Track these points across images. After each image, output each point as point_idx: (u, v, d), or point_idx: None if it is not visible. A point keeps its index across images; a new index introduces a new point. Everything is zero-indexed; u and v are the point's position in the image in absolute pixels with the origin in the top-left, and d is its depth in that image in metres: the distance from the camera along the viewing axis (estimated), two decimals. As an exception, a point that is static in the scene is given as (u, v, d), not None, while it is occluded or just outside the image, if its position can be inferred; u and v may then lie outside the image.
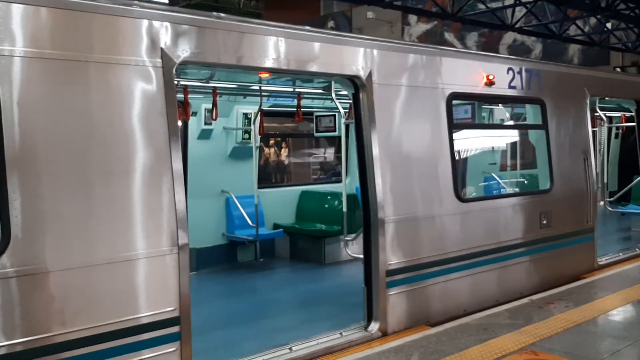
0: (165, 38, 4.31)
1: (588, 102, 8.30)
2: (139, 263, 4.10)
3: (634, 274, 7.62)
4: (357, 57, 5.59)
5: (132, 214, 4.10)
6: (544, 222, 7.42)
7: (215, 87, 6.95)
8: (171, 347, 4.22)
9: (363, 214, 5.67)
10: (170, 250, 4.23)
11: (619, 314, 5.93)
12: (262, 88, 7.45)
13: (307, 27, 5.45)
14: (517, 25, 15.14)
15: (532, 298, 6.58)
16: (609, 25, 17.16)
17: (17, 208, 3.60)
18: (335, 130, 8.78)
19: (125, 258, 4.04)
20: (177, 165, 4.30)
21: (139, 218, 4.13)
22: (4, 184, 3.58)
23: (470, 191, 9.98)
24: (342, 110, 6.27)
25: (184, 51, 4.41)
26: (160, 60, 4.26)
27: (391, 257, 5.68)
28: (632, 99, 9.42)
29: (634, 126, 9.70)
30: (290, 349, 5.10)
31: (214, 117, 7.09)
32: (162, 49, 4.28)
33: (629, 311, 6.00)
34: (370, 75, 5.63)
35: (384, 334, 5.60)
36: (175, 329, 4.23)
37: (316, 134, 9.24)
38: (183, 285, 4.27)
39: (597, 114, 9.27)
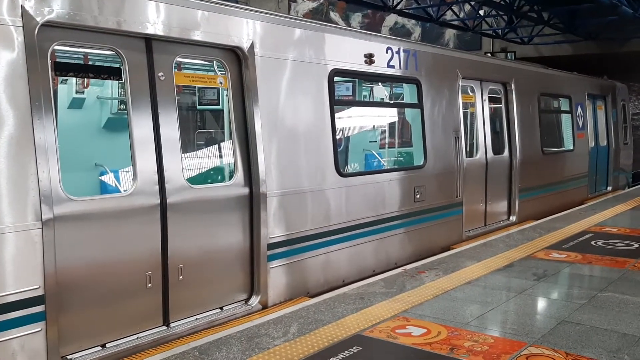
0: None
1: (460, 83, 8.77)
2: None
3: (497, 244, 8.24)
4: (239, 27, 5.48)
5: None
6: (418, 196, 7.79)
7: (87, 52, 6.51)
8: (36, 328, 3.97)
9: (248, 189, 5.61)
10: (34, 225, 3.96)
11: (483, 281, 6.38)
12: None
13: None
14: (398, 8, 15.63)
15: (405, 268, 6.90)
16: (482, 12, 18.21)
17: None
18: (219, 104, 8.59)
19: None
20: (41, 136, 4.01)
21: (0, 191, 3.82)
22: None
23: (351, 167, 10.23)
24: (224, 83, 6.13)
25: (49, 11, 4.08)
26: (20, 20, 3.92)
27: (273, 230, 5.71)
28: (499, 82, 10.08)
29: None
30: (167, 325, 4.98)
31: (85, 85, 6.66)
32: (22, 7, 3.93)
33: (492, 278, 6.46)
34: (252, 47, 5.54)
35: (265, 307, 5.64)
36: (39, 309, 3.98)
37: (199, 107, 8.99)
38: (48, 262, 4.01)
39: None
